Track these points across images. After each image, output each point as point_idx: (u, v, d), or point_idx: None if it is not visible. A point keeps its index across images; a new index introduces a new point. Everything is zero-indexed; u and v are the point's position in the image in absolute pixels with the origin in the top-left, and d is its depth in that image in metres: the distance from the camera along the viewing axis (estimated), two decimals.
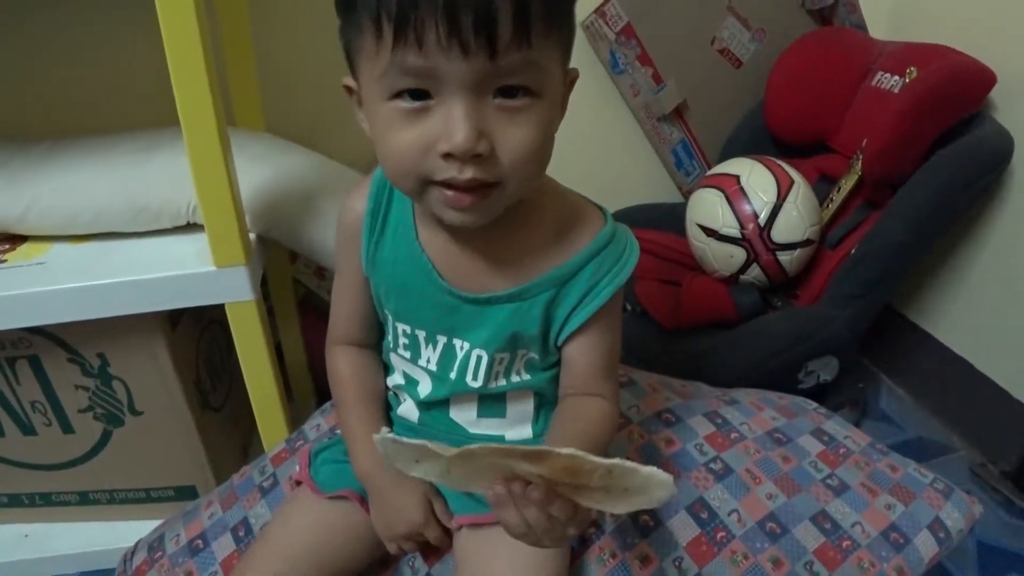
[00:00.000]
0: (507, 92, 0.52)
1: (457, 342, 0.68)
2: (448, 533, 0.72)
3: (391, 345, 0.73)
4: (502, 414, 0.72)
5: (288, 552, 0.71)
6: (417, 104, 0.53)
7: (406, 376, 0.74)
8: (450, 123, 0.51)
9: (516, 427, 0.73)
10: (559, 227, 0.66)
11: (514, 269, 0.65)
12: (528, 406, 0.73)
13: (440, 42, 0.49)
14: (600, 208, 0.69)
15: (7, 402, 1.06)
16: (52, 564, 1.16)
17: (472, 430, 0.73)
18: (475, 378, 0.69)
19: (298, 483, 0.79)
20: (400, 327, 0.71)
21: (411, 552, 0.72)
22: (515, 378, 0.70)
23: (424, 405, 0.73)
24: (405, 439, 0.48)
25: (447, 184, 0.54)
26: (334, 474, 0.76)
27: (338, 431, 0.90)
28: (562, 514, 0.50)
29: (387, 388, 0.78)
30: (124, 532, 1.14)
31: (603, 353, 0.68)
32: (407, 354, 0.72)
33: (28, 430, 1.09)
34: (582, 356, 0.68)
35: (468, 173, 0.53)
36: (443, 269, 0.66)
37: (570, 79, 0.59)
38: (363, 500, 0.74)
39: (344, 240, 0.71)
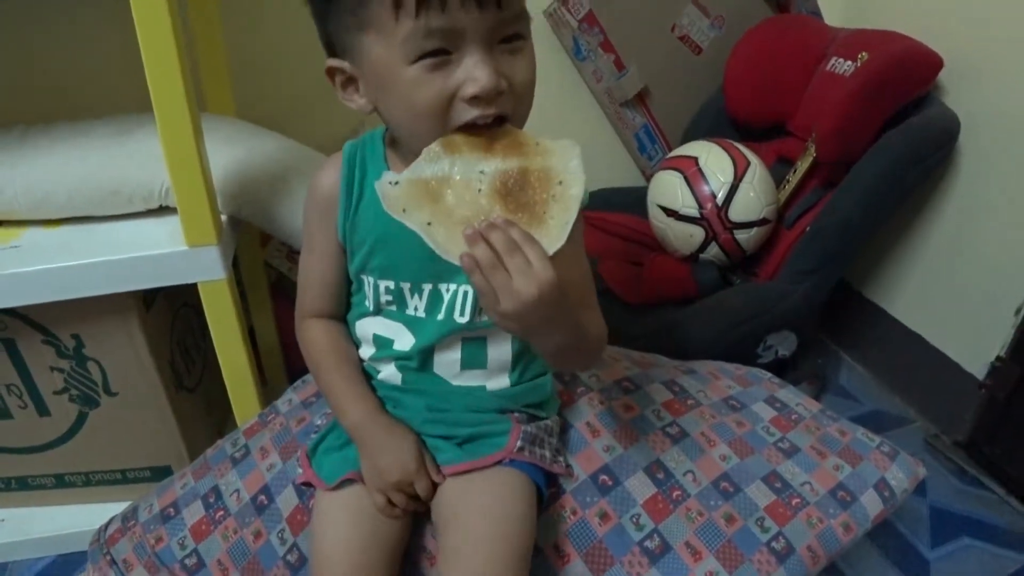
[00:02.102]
0: (508, 39, 0.62)
1: (442, 286, 0.73)
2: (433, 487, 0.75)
3: (369, 308, 0.77)
4: (483, 363, 0.76)
5: (338, 559, 0.72)
6: (439, 60, 0.60)
7: (378, 340, 0.77)
8: (475, 70, 0.60)
9: (495, 377, 0.77)
10: None
11: None
12: (507, 350, 0.76)
13: (461, 2, 0.58)
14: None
15: None
16: (29, 547, 1.18)
17: (455, 382, 0.76)
18: (462, 314, 0.73)
19: (305, 484, 0.81)
20: (383, 284, 0.74)
21: (401, 506, 0.73)
22: None
23: (406, 364, 0.76)
24: (401, 175, 0.59)
25: (471, 125, 0.62)
26: (335, 463, 0.78)
27: (311, 405, 0.93)
28: (522, 239, 0.57)
29: (361, 359, 0.81)
30: (100, 514, 1.12)
31: (581, 273, 0.74)
32: (393, 308, 0.75)
33: (3, 414, 1.10)
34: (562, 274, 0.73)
35: (492, 109, 0.61)
36: None
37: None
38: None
39: (317, 213, 0.75)
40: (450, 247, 0.60)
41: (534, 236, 0.58)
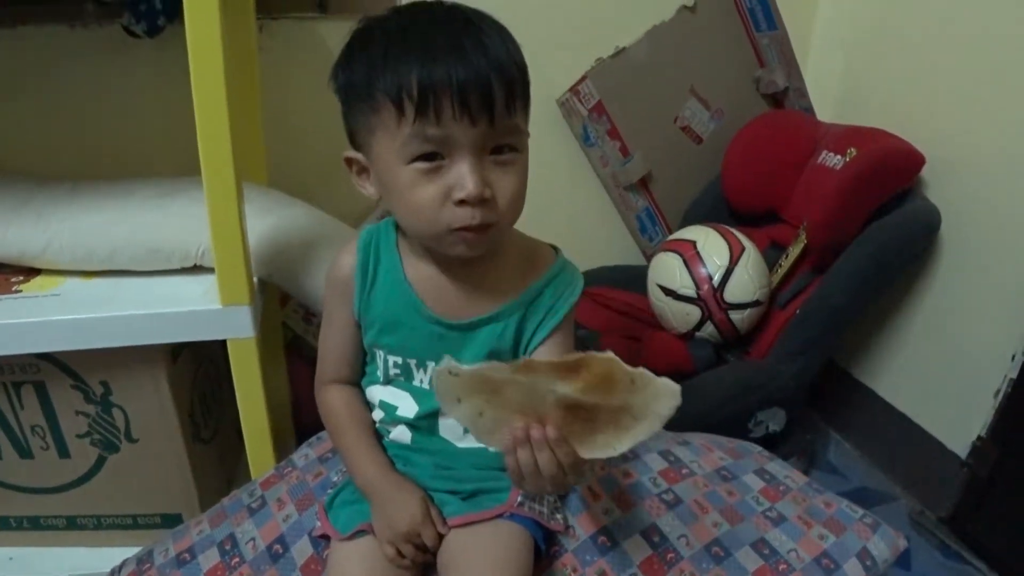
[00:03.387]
0: (498, 150, 0.69)
1: None
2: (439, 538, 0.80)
3: (379, 378, 0.83)
4: None
5: None
6: (432, 164, 0.67)
7: (384, 405, 0.84)
8: (463, 177, 0.67)
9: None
10: (522, 260, 0.80)
11: (490, 295, 0.78)
12: None
13: (454, 115, 0.65)
14: (551, 245, 0.84)
15: (7, 425, 1.11)
16: None
17: (460, 444, 0.82)
18: None
19: (321, 537, 0.86)
20: (392, 359, 0.81)
21: (409, 556, 0.77)
22: None
23: (414, 426, 0.82)
24: (463, 367, 0.61)
25: (465, 229, 0.68)
26: (350, 514, 0.83)
27: (327, 461, 0.98)
28: (567, 459, 0.62)
29: (374, 421, 0.87)
30: (109, 557, 1.13)
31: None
32: (401, 379, 0.82)
33: (25, 453, 1.14)
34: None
35: (478, 217, 0.68)
36: (431, 303, 0.78)
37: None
38: None
39: (335, 293, 0.83)
40: (491, 436, 0.62)
41: (582, 448, 0.61)
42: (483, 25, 0.68)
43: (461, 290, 0.78)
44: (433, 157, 0.67)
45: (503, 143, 0.69)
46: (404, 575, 0.79)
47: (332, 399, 0.87)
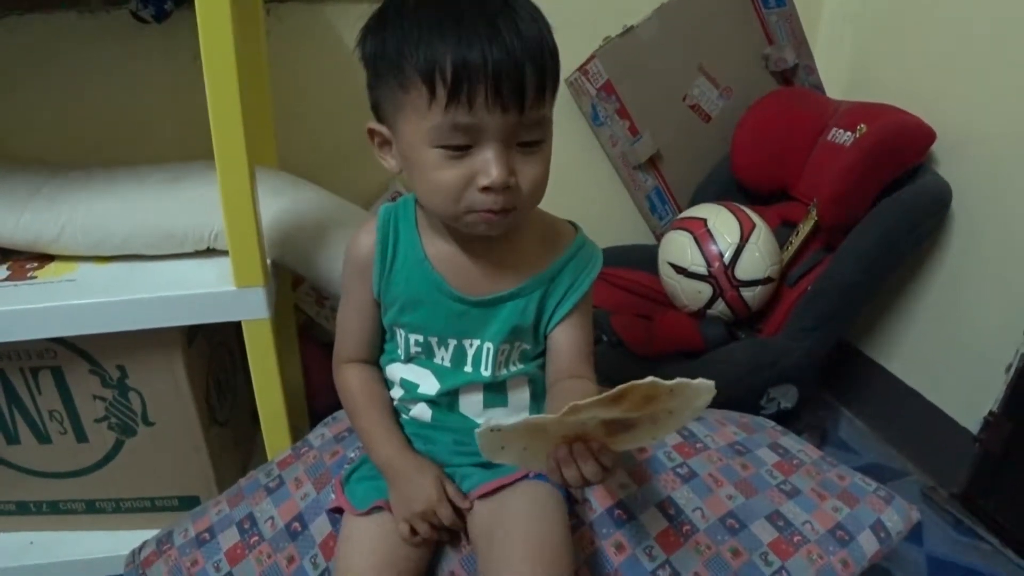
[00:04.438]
0: (525, 143, 0.69)
1: (466, 342, 0.80)
2: (459, 514, 0.80)
3: (400, 356, 0.84)
4: (504, 403, 0.83)
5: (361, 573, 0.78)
6: (460, 151, 0.68)
7: (406, 384, 0.84)
8: (490, 164, 0.67)
9: (517, 415, 0.81)
10: (542, 237, 0.81)
11: (512, 272, 0.79)
12: (525, 394, 0.84)
13: (487, 104, 0.65)
14: (572, 223, 0.84)
15: (25, 410, 1.12)
16: (56, 571, 1.20)
17: (480, 420, 0.83)
18: (486, 367, 0.81)
19: (336, 511, 0.87)
20: (413, 337, 0.82)
21: (425, 535, 0.78)
22: (512, 367, 0.82)
23: (434, 403, 0.83)
24: (505, 423, 0.60)
25: (486, 211, 0.69)
26: (367, 490, 0.84)
27: (343, 440, 0.99)
28: (610, 462, 0.64)
29: (392, 400, 0.88)
30: (128, 540, 1.15)
31: (582, 337, 0.82)
32: (422, 356, 0.83)
33: (44, 438, 1.15)
34: (567, 339, 0.81)
35: (500, 203, 0.69)
36: (452, 280, 0.79)
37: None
38: None
39: (354, 271, 0.83)
40: (534, 463, 0.65)
41: (616, 443, 0.63)
42: (517, 5, 0.67)
43: (482, 267, 0.79)
44: (459, 147, 0.67)
45: (530, 139, 0.69)
46: (417, 552, 0.80)
47: (350, 379, 0.87)
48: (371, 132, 0.76)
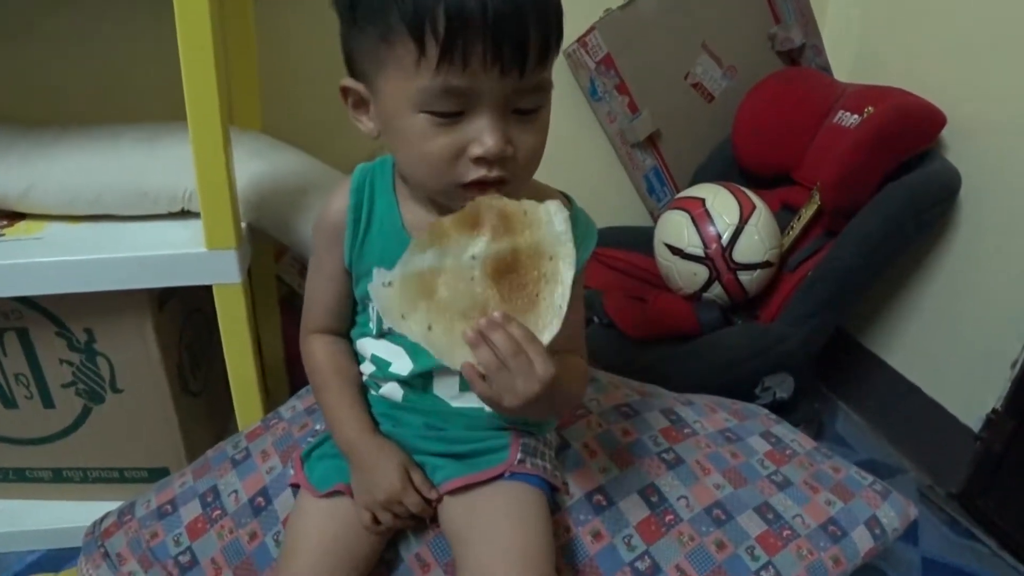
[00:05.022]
0: (523, 111, 0.62)
1: None
2: (428, 504, 0.76)
3: (372, 331, 0.78)
4: None
5: (307, 559, 0.73)
6: (451, 117, 0.61)
7: (377, 360, 0.79)
8: (484, 132, 0.60)
9: None
10: None
11: None
12: None
13: (484, 64, 0.58)
14: (566, 196, 0.77)
15: None
16: (22, 539, 1.19)
17: (455, 404, 0.77)
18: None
19: (295, 486, 0.83)
20: None
21: (388, 524, 0.74)
22: None
23: (407, 383, 0.78)
24: (391, 272, 0.60)
25: (476, 185, 0.63)
26: (328, 470, 0.79)
27: (314, 412, 0.94)
28: (520, 332, 0.58)
29: (361, 375, 0.83)
30: (95, 511, 1.12)
31: (572, 315, 0.75)
32: (395, 333, 0.75)
33: (9, 403, 1.12)
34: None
35: (496, 172, 0.62)
36: None
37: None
38: None
39: (325, 238, 0.77)
40: (451, 352, 0.60)
41: (530, 322, 0.59)
42: None
43: None
44: (450, 113, 0.61)
45: (528, 104, 0.62)
46: (371, 537, 0.76)
47: (316, 351, 0.81)
48: (344, 91, 0.68)
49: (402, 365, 0.77)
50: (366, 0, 0.61)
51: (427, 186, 0.67)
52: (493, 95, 0.60)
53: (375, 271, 0.60)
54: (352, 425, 0.77)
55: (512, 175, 0.63)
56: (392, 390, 0.79)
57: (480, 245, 0.60)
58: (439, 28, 0.56)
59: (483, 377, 0.59)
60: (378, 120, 0.67)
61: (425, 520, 0.77)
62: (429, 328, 0.60)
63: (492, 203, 0.60)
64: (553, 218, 0.60)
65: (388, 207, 0.74)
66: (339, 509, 0.76)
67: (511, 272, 0.60)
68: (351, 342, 0.82)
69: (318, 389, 0.81)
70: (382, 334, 0.77)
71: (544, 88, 0.63)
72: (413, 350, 0.76)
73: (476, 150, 0.61)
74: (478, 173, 0.62)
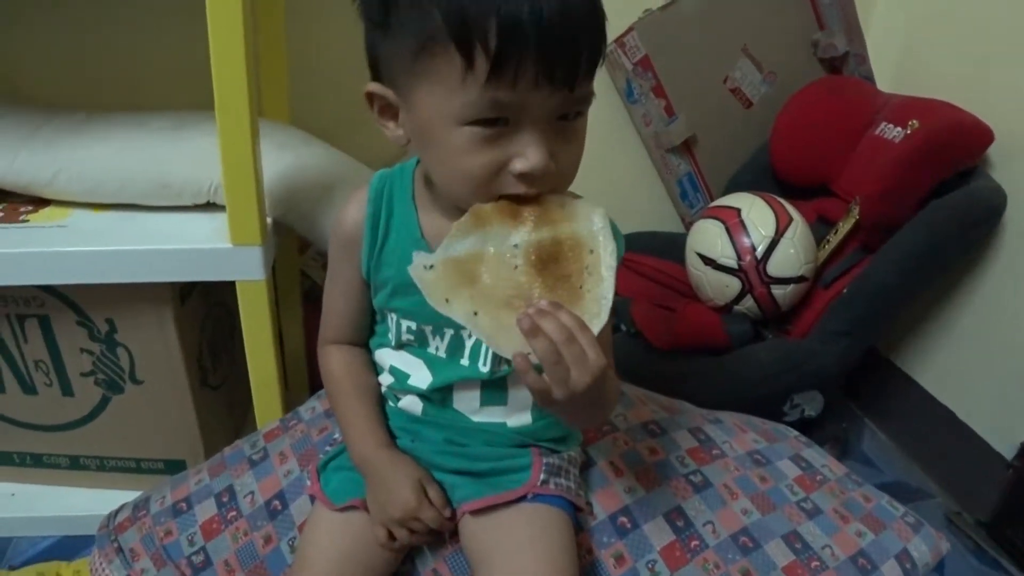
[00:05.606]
0: (566, 116, 0.60)
1: (464, 332, 0.71)
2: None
3: (391, 341, 0.75)
4: (503, 401, 0.75)
5: (320, 573, 0.72)
6: (493, 131, 0.58)
7: (395, 372, 0.76)
8: (529, 148, 0.58)
9: (516, 414, 0.75)
10: None
11: None
12: (526, 392, 0.74)
13: (536, 81, 0.55)
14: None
15: (11, 358, 1.09)
16: (36, 525, 1.18)
17: (475, 419, 0.75)
18: (484, 363, 0.71)
19: (312, 496, 0.80)
20: (405, 324, 0.73)
21: (405, 541, 0.72)
22: None
23: (426, 397, 0.75)
24: (432, 256, 0.59)
25: (515, 198, 0.61)
26: (343, 483, 0.76)
27: (333, 416, 0.92)
28: (572, 322, 0.55)
29: (379, 386, 0.80)
30: (110, 500, 1.12)
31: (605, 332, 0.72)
32: (414, 345, 0.74)
33: (29, 389, 1.11)
34: None
35: (537, 188, 0.60)
36: None
37: None
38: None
39: (340, 248, 0.75)
40: (500, 339, 0.58)
41: (576, 313, 0.57)
42: None
43: None
44: (496, 123, 0.57)
45: (572, 110, 0.60)
46: (384, 554, 0.74)
47: (333, 362, 0.79)
48: (370, 96, 0.64)
49: (421, 378, 0.74)
50: (404, 5, 0.57)
51: (462, 200, 0.63)
52: (540, 108, 0.57)
53: (415, 254, 0.59)
54: (367, 440, 0.75)
55: (551, 188, 0.62)
56: (411, 403, 0.76)
57: (522, 233, 0.60)
58: (490, 42, 0.53)
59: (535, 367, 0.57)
60: (409, 129, 0.64)
61: (443, 535, 0.75)
62: (475, 314, 0.59)
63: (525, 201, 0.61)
64: (591, 214, 0.61)
65: (407, 216, 0.71)
66: (354, 524, 0.74)
67: (554, 262, 0.60)
68: (370, 352, 0.80)
69: (334, 401, 0.79)
70: (401, 345, 0.75)
71: (588, 99, 0.61)
72: (432, 363, 0.74)
73: (520, 166, 0.58)
74: (519, 189, 0.60)
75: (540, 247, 0.60)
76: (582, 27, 0.55)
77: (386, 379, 0.78)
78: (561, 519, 0.72)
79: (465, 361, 0.72)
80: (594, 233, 0.60)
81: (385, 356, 0.77)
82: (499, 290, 0.59)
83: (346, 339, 0.80)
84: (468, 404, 0.75)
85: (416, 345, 0.74)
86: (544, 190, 0.61)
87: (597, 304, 0.58)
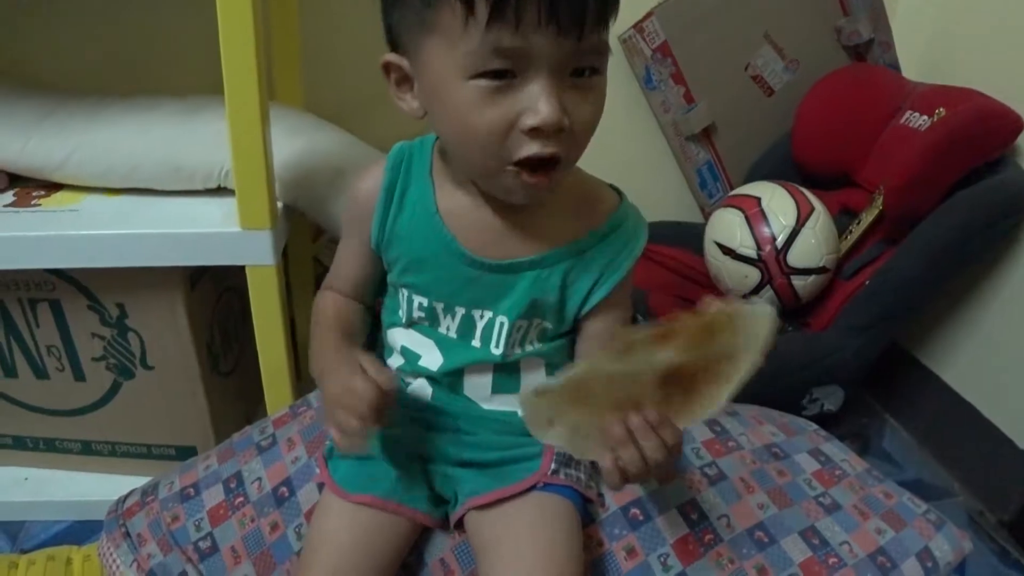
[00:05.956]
0: (579, 71, 0.57)
1: (476, 312, 0.70)
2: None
3: (401, 319, 0.74)
4: (516, 388, 0.73)
5: (329, 559, 0.70)
6: (500, 83, 0.55)
7: (406, 352, 0.75)
8: (539, 100, 0.55)
9: None
10: (578, 202, 0.70)
11: (535, 237, 0.68)
12: (540, 377, 0.74)
13: (539, 22, 0.52)
14: (615, 188, 0.73)
15: (24, 343, 1.09)
16: (48, 509, 1.19)
17: (486, 406, 0.74)
18: (497, 345, 0.70)
19: (320, 484, 0.79)
20: (417, 300, 0.72)
21: (342, 422, 0.62)
22: (529, 347, 0.72)
23: (436, 381, 0.74)
24: (552, 383, 0.55)
25: (527, 163, 0.58)
26: (352, 470, 0.75)
27: None
28: (673, 439, 0.56)
29: (363, 333, 0.80)
30: (121, 485, 1.12)
31: (622, 324, 0.72)
32: (425, 323, 0.73)
33: (41, 373, 1.11)
34: (604, 328, 0.72)
35: (551, 147, 0.57)
36: (465, 239, 0.68)
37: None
38: (385, 503, 0.72)
39: (354, 216, 0.74)
40: (592, 444, 0.58)
41: (682, 416, 0.57)
42: None
43: (502, 227, 0.67)
44: (503, 75, 0.55)
45: (587, 65, 0.57)
46: (396, 543, 0.72)
47: (326, 301, 0.78)
48: (386, 67, 0.63)
49: (432, 359, 0.73)
50: None
51: (475, 166, 0.62)
52: (549, 58, 0.54)
53: (534, 387, 0.56)
54: (331, 359, 0.70)
55: (566, 153, 0.58)
56: (421, 387, 0.75)
57: (668, 353, 0.55)
58: None
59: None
60: (422, 96, 0.62)
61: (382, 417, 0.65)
62: (577, 429, 0.57)
63: (698, 313, 0.54)
64: (761, 324, 0.55)
65: (423, 191, 0.70)
66: (365, 513, 0.72)
67: (686, 385, 0.56)
68: (369, 311, 0.80)
69: (314, 332, 0.76)
70: (411, 323, 0.74)
71: (603, 51, 0.57)
72: (443, 343, 0.73)
73: (530, 120, 0.55)
74: (531, 149, 0.57)
75: (680, 369, 0.55)
76: None
77: (396, 361, 0.77)
78: (567, 510, 0.71)
79: (476, 342, 0.71)
80: (749, 342, 0.55)
81: (396, 336, 0.76)
82: (609, 397, 0.56)
83: (346, 292, 0.79)
84: (479, 391, 0.74)
85: (427, 324, 0.73)
86: (559, 154, 0.57)
87: (705, 408, 0.57)
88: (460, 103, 0.57)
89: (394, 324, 0.76)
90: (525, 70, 0.55)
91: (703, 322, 0.53)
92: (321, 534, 0.73)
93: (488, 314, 0.70)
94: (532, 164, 0.58)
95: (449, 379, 0.73)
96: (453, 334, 0.72)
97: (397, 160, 0.70)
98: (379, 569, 0.71)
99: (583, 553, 0.70)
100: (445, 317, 0.71)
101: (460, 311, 0.70)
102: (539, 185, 0.59)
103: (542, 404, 0.56)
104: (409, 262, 0.71)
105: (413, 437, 0.75)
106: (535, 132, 0.56)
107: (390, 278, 0.74)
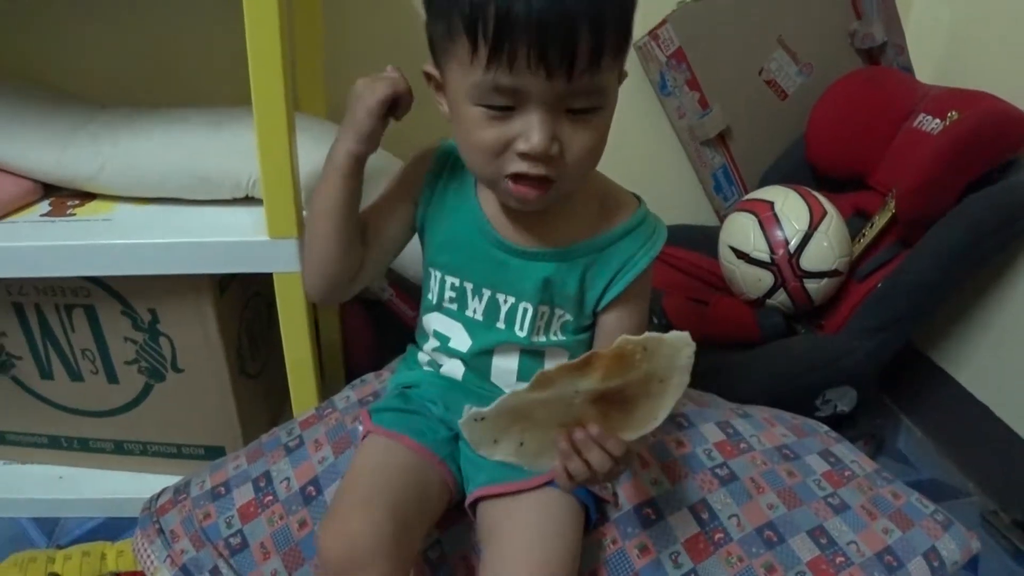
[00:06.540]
0: (576, 110, 0.63)
1: (500, 296, 0.76)
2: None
3: (433, 302, 0.80)
4: None
5: (374, 481, 0.73)
6: (501, 112, 0.63)
7: (438, 335, 0.81)
8: (530, 129, 0.62)
9: None
10: (601, 203, 0.76)
11: (560, 232, 0.74)
12: None
13: (529, 66, 0.59)
14: (634, 195, 0.79)
15: (59, 347, 1.13)
16: (81, 506, 1.23)
17: None
18: (521, 328, 0.77)
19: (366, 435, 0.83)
20: (449, 280, 0.78)
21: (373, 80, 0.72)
22: (553, 337, 0.78)
23: (467, 362, 0.80)
24: (485, 409, 0.59)
25: (517, 177, 0.65)
26: (396, 419, 0.80)
27: (367, 404, 0.94)
28: (617, 450, 0.61)
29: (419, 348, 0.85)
30: (152, 483, 1.16)
31: (637, 321, 0.77)
32: (453, 306, 0.79)
33: (76, 376, 1.15)
34: (620, 323, 0.77)
35: (539, 170, 0.64)
36: (498, 225, 0.75)
37: (622, 78, 0.68)
38: (420, 446, 0.77)
39: (409, 173, 0.80)
40: (537, 459, 0.62)
41: (625, 431, 0.61)
42: None
43: (532, 219, 0.74)
44: (500, 108, 0.63)
45: (582, 105, 0.63)
46: (437, 484, 0.77)
47: None
48: (426, 75, 0.71)
49: (461, 340, 0.80)
50: None
51: (479, 174, 0.70)
52: (541, 95, 0.61)
53: (466, 408, 0.59)
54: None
55: (558, 175, 0.65)
56: (454, 367, 0.81)
57: (588, 383, 0.59)
58: (489, 29, 0.58)
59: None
60: (448, 105, 0.69)
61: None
62: (521, 444, 0.62)
63: (603, 353, 0.58)
64: (679, 352, 0.59)
65: (464, 181, 0.77)
66: (401, 450, 0.77)
67: (620, 402, 0.61)
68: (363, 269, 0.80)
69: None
70: (440, 305, 0.80)
71: (599, 91, 0.63)
72: (470, 325, 0.79)
73: (521, 146, 0.62)
74: (521, 167, 0.64)
75: (606, 393, 0.60)
76: (579, 18, 0.57)
77: (431, 344, 0.83)
78: (572, 508, 0.74)
79: (501, 324, 0.77)
80: (673, 369, 0.59)
81: (430, 320, 0.82)
82: (552, 420, 0.61)
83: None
84: (506, 377, 0.79)
85: (455, 307, 0.79)
86: (551, 176, 0.64)
87: (645, 422, 0.61)
88: (468, 120, 0.65)
89: (428, 309, 0.82)
90: (523, 104, 0.62)
91: (614, 353, 0.58)
92: (360, 464, 0.77)
93: (511, 299, 0.76)
94: (522, 178, 0.65)
95: (478, 361, 0.79)
96: (479, 316, 0.78)
97: (446, 151, 0.78)
98: (410, 503, 0.72)
99: (580, 550, 0.73)
100: (472, 299, 0.78)
101: (487, 293, 0.77)
102: (526, 195, 0.66)
103: (485, 427, 0.60)
104: (444, 240, 0.78)
105: (447, 412, 0.80)
106: (525, 156, 0.63)
107: (426, 258, 0.80)
